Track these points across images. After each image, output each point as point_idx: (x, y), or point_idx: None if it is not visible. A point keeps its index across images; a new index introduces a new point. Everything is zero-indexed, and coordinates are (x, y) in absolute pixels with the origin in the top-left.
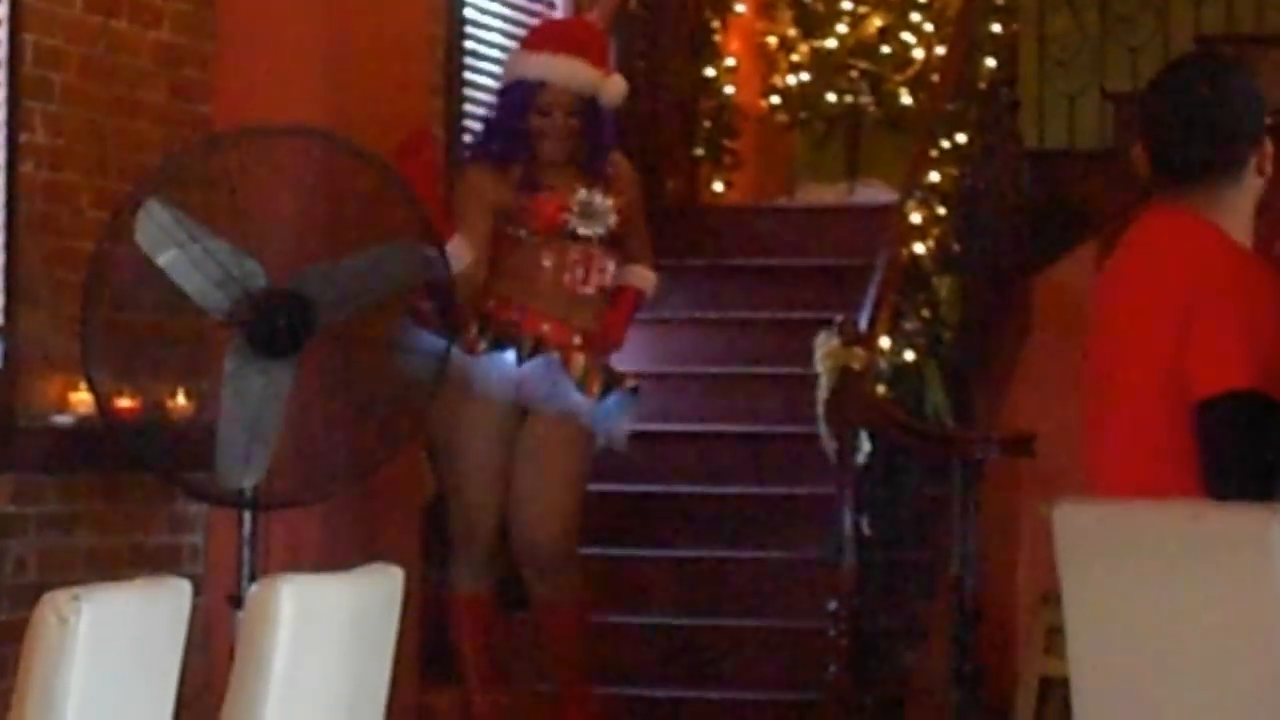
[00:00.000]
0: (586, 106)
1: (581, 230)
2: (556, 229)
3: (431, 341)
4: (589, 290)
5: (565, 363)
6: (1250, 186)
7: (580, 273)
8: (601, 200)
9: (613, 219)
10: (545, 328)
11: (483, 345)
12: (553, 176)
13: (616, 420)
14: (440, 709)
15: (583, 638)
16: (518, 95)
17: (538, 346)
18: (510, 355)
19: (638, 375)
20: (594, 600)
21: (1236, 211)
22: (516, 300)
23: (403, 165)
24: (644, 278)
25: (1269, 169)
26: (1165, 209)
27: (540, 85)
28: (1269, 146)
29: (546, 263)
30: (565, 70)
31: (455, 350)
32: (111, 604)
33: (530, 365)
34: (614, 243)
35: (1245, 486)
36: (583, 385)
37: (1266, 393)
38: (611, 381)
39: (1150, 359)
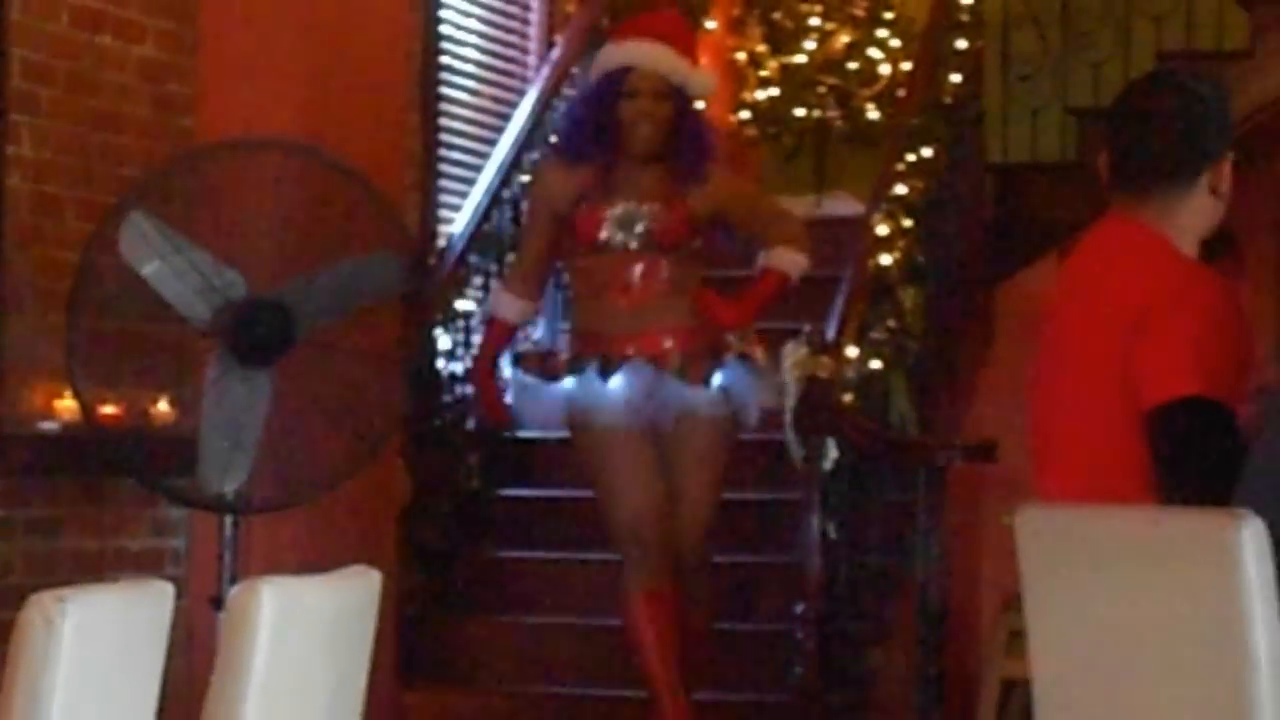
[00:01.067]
0: (675, 93)
1: (620, 239)
2: (599, 244)
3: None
4: (651, 296)
5: (659, 365)
6: (1202, 204)
7: (635, 281)
8: (635, 207)
9: (644, 226)
10: (630, 349)
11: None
12: (639, 173)
13: (739, 397)
14: (416, 709)
15: (708, 644)
16: (604, 85)
17: (617, 359)
18: (594, 379)
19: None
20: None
21: (1186, 229)
22: (594, 329)
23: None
24: (789, 260)
25: (1224, 190)
26: (1119, 218)
27: (626, 70)
28: (1226, 168)
29: (601, 278)
30: (651, 54)
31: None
32: (96, 606)
33: (622, 380)
34: (664, 249)
35: (1197, 491)
36: (684, 376)
37: (1216, 400)
38: (715, 360)
39: (1100, 366)
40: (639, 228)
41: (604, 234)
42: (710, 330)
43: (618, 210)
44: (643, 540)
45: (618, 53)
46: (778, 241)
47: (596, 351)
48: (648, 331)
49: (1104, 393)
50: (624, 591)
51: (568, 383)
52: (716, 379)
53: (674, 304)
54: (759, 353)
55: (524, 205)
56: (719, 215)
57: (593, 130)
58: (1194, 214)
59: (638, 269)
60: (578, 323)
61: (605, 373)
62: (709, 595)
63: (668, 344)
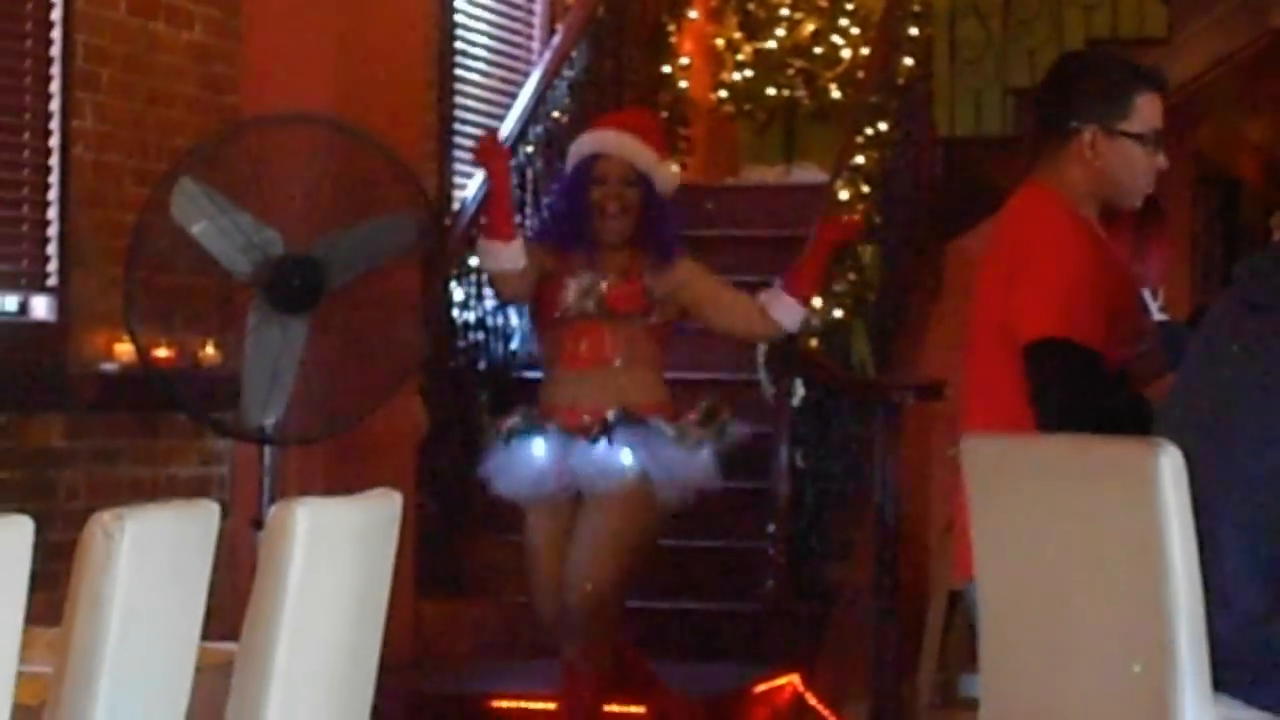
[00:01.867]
0: (642, 181)
1: (576, 308)
2: (559, 311)
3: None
4: (594, 366)
5: (573, 430)
6: (1086, 167)
7: (582, 348)
8: (593, 275)
9: (601, 294)
10: (586, 418)
11: (510, 428)
12: (610, 260)
13: (666, 474)
14: (431, 616)
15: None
16: (575, 173)
17: (538, 422)
18: (539, 446)
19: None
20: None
21: (1074, 188)
22: (555, 400)
23: (485, 164)
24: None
25: (1092, 158)
26: (1025, 182)
27: (595, 157)
28: (1096, 137)
29: (556, 348)
30: (619, 141)
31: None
32: (150, 522)
33: (539, 451)
34: (618, 316)
35: (1058, 423)
36: (606, 439)
37: (1076, 342)
38: (641, 432)
39: (989, 313)
40: (596, 294)
41: (567, 301)
42: (647, 407)
43: (582, 280)
44: (544, 615)
45: (588, 141)
46: (748, 299)
47: (551, 415)
48: (581, 403)
49: (992, 336)
50: (565, 662)
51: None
52: (628, 456)
53: (619, 379)
54: (694, 430)
55: (528, 173)
56: (676, 297)
57: (569, 216)
58: (1078, 175)
59: (587, 337)
60: (544, 386)
61: (521, 431)
62: (599, 663)
63: (610, 416)
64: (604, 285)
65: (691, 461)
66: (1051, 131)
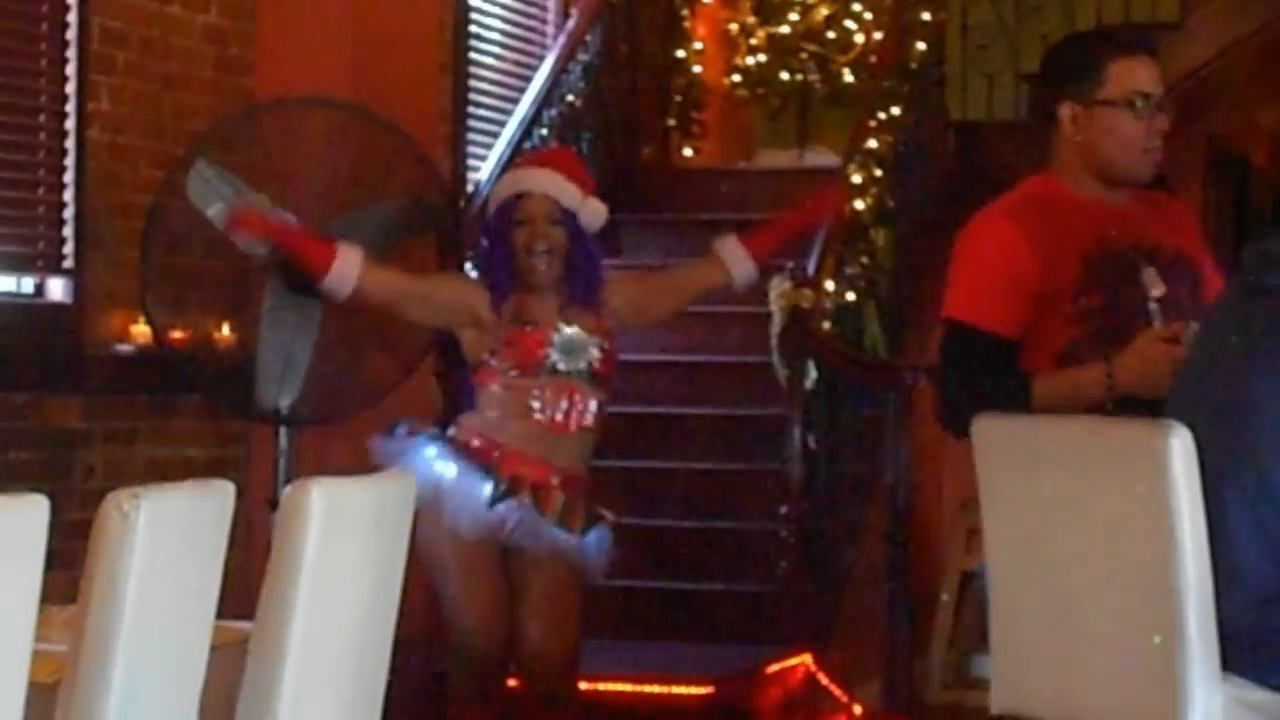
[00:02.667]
0: (568, 218)
1: (562, 366)
2: (536, 365)
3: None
4: (571, 429)
5: (541, 503)
6: (1070, 144)
7: (562, 410)
8: (584, 336)
9: (595, 354)
10: (524, 469)
11: (454, 470)
12: (538, 310)
13: (595, 556)
14: None
15: None
16: (499, 215)
17: (510, 489)
18: (485, 492)
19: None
20: None
21: (1066, 168)
22: (497, 438)
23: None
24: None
25: (1074, 133)
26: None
27: (518, 197)
28: (1075, 112)
29: (527, 400)
30: (542, 178)
31: (430, 473)
32: (166, 501)
33: (502, 508)
34: (597, 381)
35: (949, 401)
36: (563, 523)
37: (960, 320)
38: (593, 518)
39: None
40: (587, 358)
41: (550, 357)
42: (588, 483)
43: (564, 335)
44: (478, 653)
45: (509, 181)
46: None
47: (489, 458)
48: (548, 461)
49: None
50: (449, 693)
51: (449, 470)
52: (590, 534)
53: (581, 446)
54: (609, 516)
55: None
56: (617, 319)
57: (497, 260)
58: (1069, 155)
59: (567, 400)
60: (480, 427)
61: (495, 496)
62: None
63: (555, 481)
64: (594, 349)
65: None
66: (1042, 120)
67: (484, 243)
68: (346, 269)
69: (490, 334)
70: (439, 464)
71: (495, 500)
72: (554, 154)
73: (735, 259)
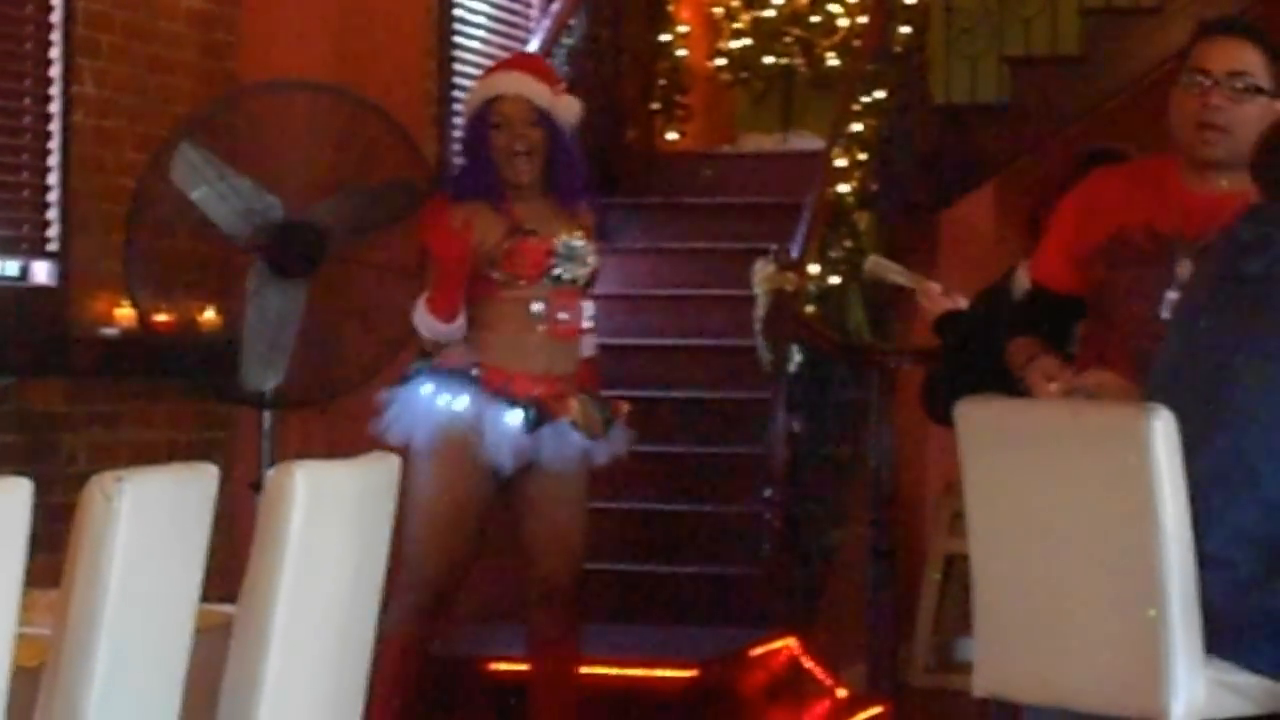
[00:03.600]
0: (543, 119)
1: (565, 274)
2: (541, 274)
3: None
4: (573, 335)
5: (565, 414)
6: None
7: (565, 318)
8: (583, 244)
9: (592, 260)
10: (537, 391)
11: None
12: (534, 217)
13: (618, 446)
14: None
15: (575, 687)
16: (475, 121)
17: (541, 413)
18: (517, 421)
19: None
20: None
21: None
22: (502, 361)
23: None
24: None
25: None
26: None
27: (493, 100)
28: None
29: (535, 309)
30: (513, 81)
31: (463, 408)
32: (149, 484)
33: (542, 432)
34: (590, 286)
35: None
36: (589, 429)
37: (1039, 282)
38: (609, 415)
39: None
40: (586, 266)
41: (555, 267)
42: (591, 377)
43: (566, 244)
44: (428, 586)
45: (481, 88)
46: None
47: (502, 384)
48: (554, 372)
49: None
50: (393, 635)
51: (460, 403)
52: (611, 433)
53: (580, 348)
54: (624, 407)
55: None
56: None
57: (478, 168)
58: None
59: (565, 306)
60: (487, 343)
61: (529, 424)
62: (577, 634)
63: (567, 390)
64: (590, 254)
65: (616, 434)
66: None
67: (464, 158)
68: (457, 329)
69: (490, 246)
70: (443, 398)
71: (532, 427)
72: (520, 58)
73: None
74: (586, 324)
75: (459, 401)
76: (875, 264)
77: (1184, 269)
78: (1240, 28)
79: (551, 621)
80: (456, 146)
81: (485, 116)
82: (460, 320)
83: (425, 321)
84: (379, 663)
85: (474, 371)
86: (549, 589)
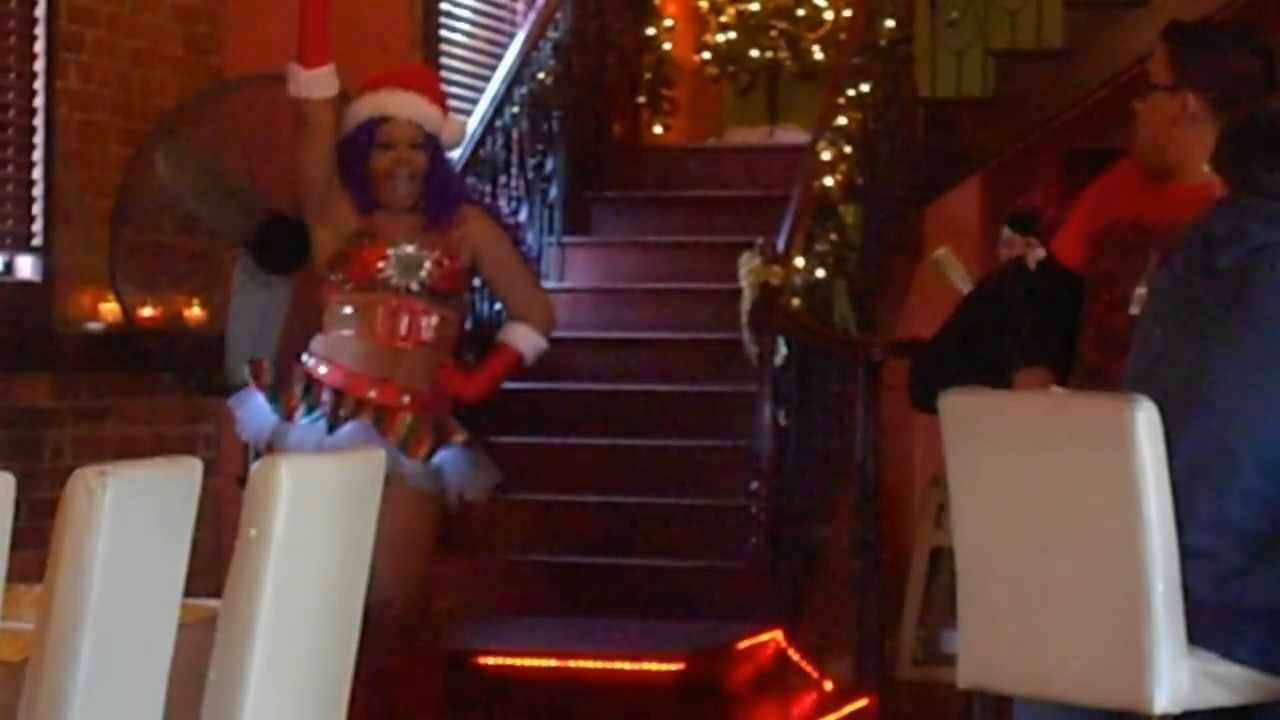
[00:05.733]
0: (429, 143)
1: (395, 281)
2: (370, 279)
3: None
4: (409, 345)
5: (386, 425)
6: None
7: (401, 325)
8: (419, 252)
9: (427, 271)
10: (371, 393)
11: (300, 411)
12: (387, 227)
13: (463, 474)
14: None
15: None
16: (359, 137)
17: (354, 411)
18: (321, 423)
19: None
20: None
21: None
22: (339, 360)
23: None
24: (525, 339)
25: None
26: None
27: (381, 120)
28: None
29: (364, 313)
30: (406, 102)
31: (273, 420)
32: (133, 479)
33: (344, 432)
34: (437, 296)
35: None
36: (404, 446)
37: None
38: (440, 439)
39: None
40: (422, 273)
41: (384, 272)
42: (443, 403)
43: (402, 251)
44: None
45: (370, 103)
46: (522, 318)
47: (333, 385)
48: (393, 381)
49: None
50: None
51: (282, 410)
52: (434, 457)
53: (425, 362)
54: (478, 447)
55: (513, 134)
56: (473, 258)
57: (350, 179)
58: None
59: (406, 315)
60: (319, 350)
61: (333, 421)
62: (430, 659)
63: (405, 400)
64: (429, 263)
65: (474, 475)
66: None
67: (340, 160)
68: (328, 82)
69: (336, 243)
70: (272, 405)
71: (335, 425)
72: (413, 73)
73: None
74: (426, 335)
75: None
76: (945, 257)
77: (1154, 260)
78: (1174, 33)
79: (406, 661)
80: None
81: (371, 133)
82: (328, 68)
83: (292, 77)
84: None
85: (321, 370)
86: (389, 631)
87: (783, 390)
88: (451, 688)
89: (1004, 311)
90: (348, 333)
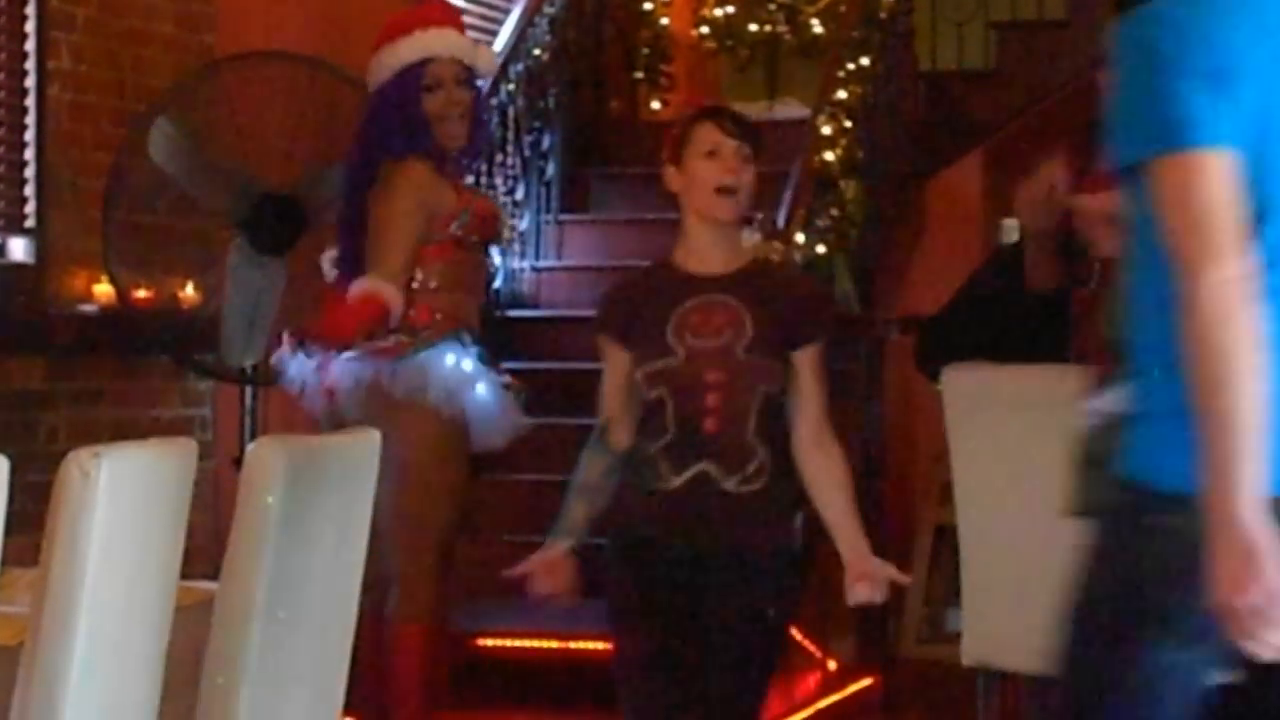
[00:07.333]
0: (470, 78)
1: (505, 233)
2: (496, 233)
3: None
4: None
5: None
6: None
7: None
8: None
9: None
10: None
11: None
12: (460, 176)
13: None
14: None
15: (429, 665)
16: (404, 82)
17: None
18: (465, 363)
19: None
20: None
21: None
22: (464, 319)
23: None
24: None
25: None
26: None
27: (425, 62)
28: None
29: (477, 272)
30: (449, 40)
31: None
32: (128, 461)
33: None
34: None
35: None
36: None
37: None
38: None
39: None
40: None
41: (499, 225)
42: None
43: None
44: (440, 567)
45: (408, 47)
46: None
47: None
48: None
49: None
50: (407, 621)
51: (449, 360)
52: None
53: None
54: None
55: (510, 111)
56: None
57: (410, 126)
58: None
59: (483, 268)
60: (444, 310)
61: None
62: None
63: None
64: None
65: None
66: None
67: (385, 113)
68: (394, 302)
69: (446, 205)
70: (468, 363)
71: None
72: (442, 10)
73: None
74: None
75: (465, 363)
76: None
77: None
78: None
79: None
80: None
81: (418, 77)
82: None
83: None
84: (404, 648)
85: (465, 336)
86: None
87: None
88: (452, 668)
89: (1012, 284)
90: (465, 290)
